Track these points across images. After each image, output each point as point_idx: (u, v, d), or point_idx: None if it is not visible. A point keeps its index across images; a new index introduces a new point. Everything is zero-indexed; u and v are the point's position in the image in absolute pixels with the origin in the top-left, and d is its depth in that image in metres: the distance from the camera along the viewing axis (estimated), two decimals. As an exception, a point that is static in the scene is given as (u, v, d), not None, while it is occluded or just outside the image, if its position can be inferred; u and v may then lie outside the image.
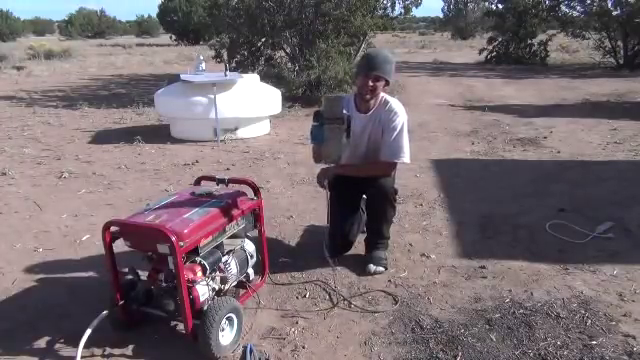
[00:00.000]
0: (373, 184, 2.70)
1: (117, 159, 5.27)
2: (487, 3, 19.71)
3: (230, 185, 2.45)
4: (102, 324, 2.08)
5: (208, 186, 2.44)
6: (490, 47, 16.44)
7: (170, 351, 2.08)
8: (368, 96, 2.66)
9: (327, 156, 2.50)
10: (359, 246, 2.97)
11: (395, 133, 2.67)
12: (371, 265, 2.74)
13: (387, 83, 2.66)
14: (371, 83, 2.61)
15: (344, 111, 2.37)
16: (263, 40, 9.91)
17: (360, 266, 2.77)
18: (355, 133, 2.66)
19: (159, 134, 6.28)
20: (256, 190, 2.44)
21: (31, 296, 2.58)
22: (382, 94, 2.73)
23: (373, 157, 2.78)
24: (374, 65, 2.59)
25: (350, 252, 2.93)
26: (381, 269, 2.73)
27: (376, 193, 2.72)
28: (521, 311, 2.31)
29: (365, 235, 2.95)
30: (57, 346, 2.14)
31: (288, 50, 9.87)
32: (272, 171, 4.75)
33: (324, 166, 2.75)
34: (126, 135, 6.21)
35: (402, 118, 2.69)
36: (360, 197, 2.95)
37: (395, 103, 2.73)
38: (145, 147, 5.74)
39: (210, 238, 2.11)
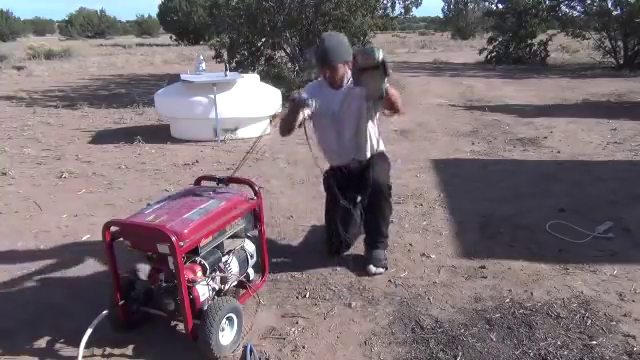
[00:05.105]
0: (367, 180, 2.69)
1: (117, 159, 5.27)
2: (487, 3, 19.68)
3: (230, 185, 2.45)
4: (102, 324, 2.08)
5: (208, 186, 2.44)
6: (490, 47, 16.41)
7: (170, 351, 2.08)
8: (335, 79, 2.70)
9: (372, 95, 2.50)
10: (359, 246, 2.97)
11: None
12: (371, 266, 2.73)
13: (345, 63, 2.66)
14: (329, 73, 2.67)
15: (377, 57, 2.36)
16: (263, 40, 9.92)
17: (360, 266, 2.77)
18: (335, 108, 2.71)
19: (159, 134, 6.28)
20: (256, 190, 2.44)
21: (31, 296, 2.58)
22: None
23: (359, 126, 2.73)
24: (327, 58, 2.63)
25: (350, 252, 2.94)
26: (381, 270, 2.73)
27: (370, 189, 2.70)
28: (521, 311, 2.31)
29: (364, 235, 2.94)
30: (57, 346, 2.14)
31: (288, 50, 9.88)
32: (272, 171, 4.75)
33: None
34: (126, 135, 6.21)
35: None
36: (356, 197, 2.94)
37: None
38: (145, 147, 5.74)
39: (210, 238, 2.11)
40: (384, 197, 2.74)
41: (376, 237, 2.82)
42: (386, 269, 2.74)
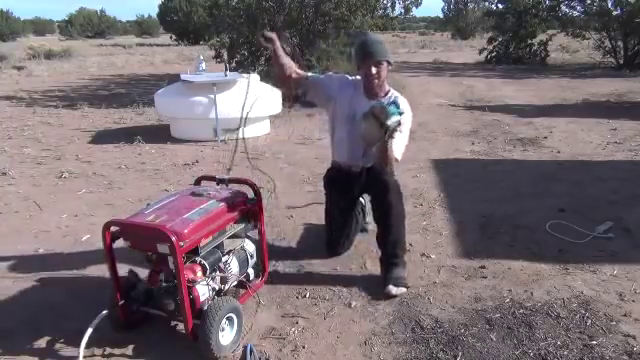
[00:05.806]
0: (372, 179, 2.62)
1: (117, 159, 5.27)
2: (487, 3, 19.69)
3: (230, 185, 2.45)
4: (102, 324, 2.08)
5: (208, 186, 2.44)
6: (490, 47, 16.42)
7: (170, 351, 2.08)
8: (376, 81, 2.64)
9: (366, 140, 2.41)
10: (359, 245, 2.97)
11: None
12: (391, 286, 2.47)
13: (389, 64, 2.65)
14: (374, 70, 2.59)
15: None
16: (263, 40, 9.92)
17: (359, 265, 2.78)
18: (357, 116, 2.58)
19: (159, 134, 6.28)
20: (256, 190, 2.44)
21: (31, 296, 2.58)
22: (392, 90, 2.73)
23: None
24: (372, 51, 2.58)
25: (349, 251, 2.94)
26: (403, 290, 2.48)
27: (378, 187, 2.60)
28: (521, 311, 2.31)
29: (363, 234, 2.93)
30: (57, 346, 2.14)
31: (288, 50, 9.87)
32: (272, 171, 4.73)
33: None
34: (126, 135, 6.21)
35: (407, 119, 2.66)
36: (356, 198, 2.93)
37: (402, 102, 2.70)
38: (145, 147, 5.74)
39: (210, 238, 2.11)
40: (395, 192, 2.58)
41: (393, 249, 2.59)
42: (407, 288, 2.51)
